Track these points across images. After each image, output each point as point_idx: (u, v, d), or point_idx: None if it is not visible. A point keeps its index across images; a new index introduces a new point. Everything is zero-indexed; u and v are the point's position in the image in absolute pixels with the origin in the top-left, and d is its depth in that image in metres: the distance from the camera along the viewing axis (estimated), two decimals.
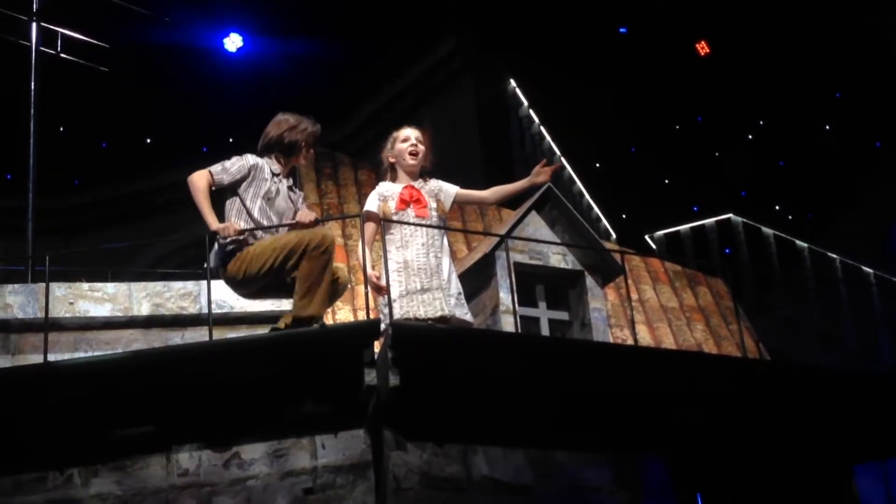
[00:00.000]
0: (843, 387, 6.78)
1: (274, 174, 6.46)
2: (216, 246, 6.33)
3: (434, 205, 6.66)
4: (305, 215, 6.39)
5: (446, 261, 6.55)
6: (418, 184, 6.72)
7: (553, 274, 7.25)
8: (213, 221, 6.24)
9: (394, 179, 6.75)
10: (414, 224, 6.50)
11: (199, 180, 6.26)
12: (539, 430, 6.04)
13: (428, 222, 6.58)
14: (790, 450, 6.66)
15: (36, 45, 9.47)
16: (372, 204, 6.67)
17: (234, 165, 6.36)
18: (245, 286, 6.38)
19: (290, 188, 6.56)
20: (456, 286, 6.55)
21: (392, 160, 6.78)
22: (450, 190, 6.76)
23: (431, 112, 16.21)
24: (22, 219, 8.99)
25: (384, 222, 6.49)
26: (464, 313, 6.49)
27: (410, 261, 6.45)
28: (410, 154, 6.71)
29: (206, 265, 6.41)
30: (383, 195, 6.67)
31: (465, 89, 16.40)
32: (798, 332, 13.09)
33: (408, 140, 6.74)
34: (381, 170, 6.89)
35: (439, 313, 6.34)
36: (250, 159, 6.42)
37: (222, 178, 6.32)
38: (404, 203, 6.61)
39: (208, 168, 6.32)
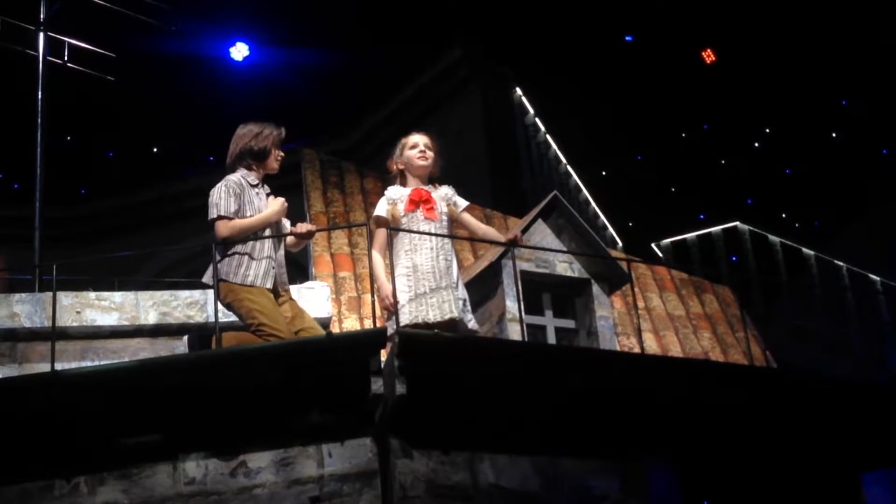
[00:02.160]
0: (850, 394, 6.77)
1: (252, 185, 6.47)
2: (225, 255, 6.31)
3: (444, 209, 6.67)
4: (303, 226, 6.46)
5: (454, 265, 6.56)
6: (428, 187, 6.73)
7: (559, 282, 7.24)
8: (271, 216, 6.36)
9: (403, 185, 6.76)
10: (422, 233, 6.50)
11: (228, 225, 6.27)
12: (545, 437, 6.04)
13: (437, 224, 6.58)
14: (798, 458, 6.65)
15: (43, 55, 9.51)
16: (381, 209, 6.67)
17: (228, 199, 6.34)
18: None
19: (268, 195, 6.57)
20: (462, 292, 6.55)
21: (401, 167, 6.80)
22: (460, 203, 6.76)
23: (438, 120, 16.22)
24: (29, 228, 9.02)
25: (392, 230, 6.50)
26: (468, 320, 6.49)
27: (420, 264, 6.45)
28: (419, 159, 6.72)
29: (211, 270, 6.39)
30: (392, 199, 6.69)
31: (472, 98, 16.43)
32: (805, 339, 13.08)
33: (416, 146, 6.75)
34: (390, 178, 6.89)
35: (448, 315, 6.33)
36: (232, 184, 6.41)
37: (232, 211, 6.33)
38: (413, 204, 6.61)
39: (217, 217, 6.28)
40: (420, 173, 6.73)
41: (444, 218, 6.65)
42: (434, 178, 6.81)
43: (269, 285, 6.29)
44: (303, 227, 6.48)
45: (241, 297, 6.21)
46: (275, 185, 6.72)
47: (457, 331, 6.34)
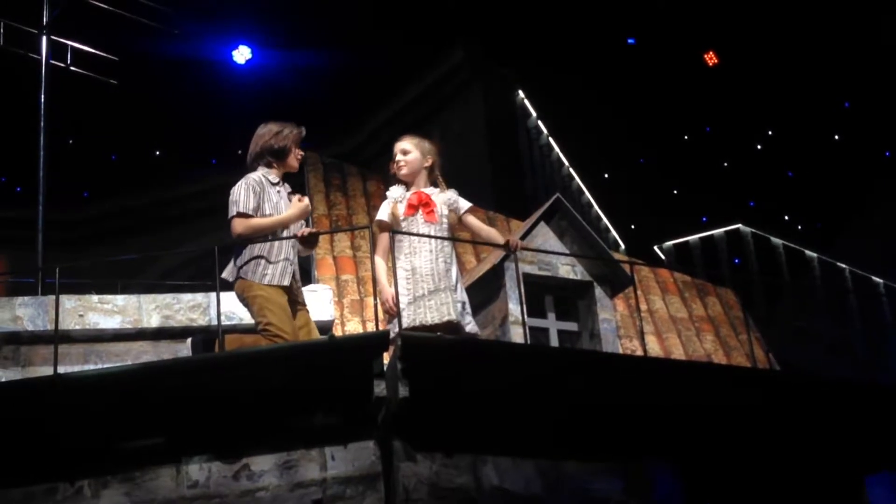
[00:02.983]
0: (853, 397, 6.76)
1: (273, 183, 6.53)
2: (244, 252, 6.36)
3: (445, 211, 6.67)
4: (307, 231, 6.51)
5: (454, 268, 6.55)
6: (429, 190, 6.73)
7: (562, 285, 7.24)
8: (291, 217, 6.43)
9: (407, 189, 6.79)
10: (421, 235, 6.51)
11: (245, 222, 6.34)
12: (548, 440, 6.04)
13: (437, 227, 6.59)
14: (801, 460, 6.64)
15: (46, 59, 9.51)
16: (383, 212, 6.70)
17: (248, 196, 6.41)
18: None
19: (289, 193, 6.62)
20: (462, 295, 6.55)
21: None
22: (463, 205, 6.76)
23: (440, 123, 16.24)
24: (32, 231, 9.03)
25: (395, 233, 6.51)
26: (467, 323, 6.48)
27: (418, 267, 6.46)
28: (398, 168, 6.76)
29: (218, 275, 6.42)
30: (394, 198, 6.72)
31: (474, 100, 16.43)
32: (808, 341, 13.07)
33: (395, 156, 6.80)
34: (393, 180, 6.92)
35: (446, 318, 6.33)
36: (252, 182, 6.46)
37: (250, 208, 6.40)
38: (413, 208, 6.63)
39: (237, 214, 6.36)
40: (408, 180, 6.75)
41: (445, 221, 6.65)
42: (438, 175, 6.81)
43: (286, 282, 6.37)
44: (305, 232, 6.50)
45: (255, 293, 6.28)
46: (304, 156, 6.77)
47: (455, 333, 6.35)
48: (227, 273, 6.48)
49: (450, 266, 6.51)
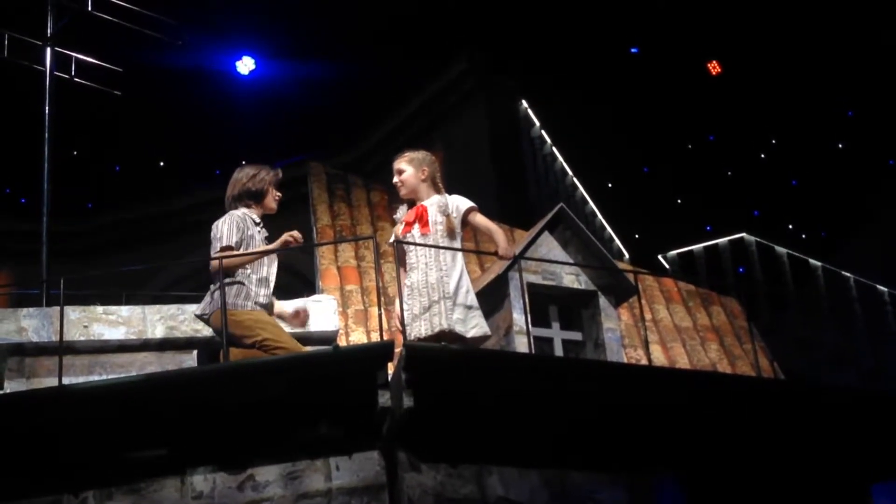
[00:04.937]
0: (858, 406, 6.76)
1: (255, 223, 6.58)
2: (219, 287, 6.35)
3: (440, 219, 6.66)
4: (297, 235, 6.53)
5: (455, 274, 6.51)
6: (430, 200, 6.73)
7: (566, 294, 7.24)
8: (270, 248, 6.44)
9: (412, 204, 6.87)
10: (419, 244, 6.53)
11: (226, 261, 6.35)
12: (553, 450, 6.03)
13: (430, 236, 6.59)
14: (806, 469, 6.63)
15: (50, 70, 9.52)
16: (392, 237, 6.84)
17: (231, 231, 6.44)
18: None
19: (265, 238, 6.66)
20: (465, 299, 6.51)
21: None
22: (461, 205, 6.74)
23: (444, 133, 16.24)
24: (36, 242, 9.02)
25: (397, 246, 6.55)
26: (472, 327, 6.44)
27: (415, 282, 6.50)
28: (398, 190, 6.82)
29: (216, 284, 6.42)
30: (399, 219, 6.82)
31: (478, 110, 16.42)
32: (812, 351, 13.05)
33: (393, 177, 6.86)
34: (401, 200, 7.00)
35: (437, 328, 6.35)
36: (236, 218, 6.50)
37: (234, 242, 6.43)
38: (409, 225, 6.68)
39: (221, 249, 6.38)
40: (410, 197, 6.80)
41: (438, 227, 6.63)
42: (438, 182, 6.83)
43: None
44: (296, 236, 6.52)
45: (240, 318, 6.27)
46: (281, 198, 6.79)
47: (451, 341, 6.35)
48: (202, 307, 6.48)
49: (447, 273, 6.49)
